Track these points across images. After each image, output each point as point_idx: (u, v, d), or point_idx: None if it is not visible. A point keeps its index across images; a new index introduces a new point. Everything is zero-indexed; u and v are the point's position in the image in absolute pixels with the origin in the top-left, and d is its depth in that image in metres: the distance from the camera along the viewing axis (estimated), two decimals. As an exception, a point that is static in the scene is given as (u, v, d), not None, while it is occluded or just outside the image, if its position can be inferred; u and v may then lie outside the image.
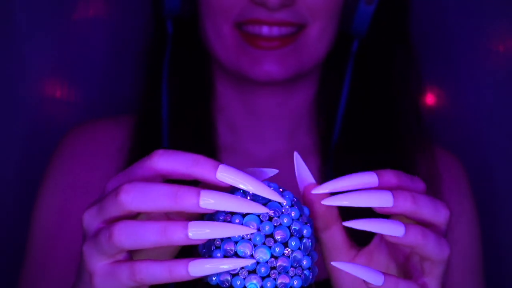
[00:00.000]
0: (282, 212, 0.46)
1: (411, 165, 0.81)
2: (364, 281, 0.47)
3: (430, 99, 1.03)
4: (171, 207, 0.44)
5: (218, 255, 0.46)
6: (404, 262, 0.52)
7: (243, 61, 0.77)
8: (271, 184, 0.48)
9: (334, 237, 0.51)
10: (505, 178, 1.01)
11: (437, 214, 0.49)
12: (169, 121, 0.81)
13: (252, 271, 0.46)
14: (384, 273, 0.47)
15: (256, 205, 0.45)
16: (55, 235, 0.82)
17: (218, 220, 0.46)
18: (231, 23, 0.77)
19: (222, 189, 0.45)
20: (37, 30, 0.99)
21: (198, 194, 0.44)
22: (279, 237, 0.46)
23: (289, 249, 0.46)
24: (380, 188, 0.48)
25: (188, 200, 0.44)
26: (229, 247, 0.46)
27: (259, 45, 0.76)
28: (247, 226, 0.45)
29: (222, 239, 0.46)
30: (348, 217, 0.48)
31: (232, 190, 0.47)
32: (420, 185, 0.50)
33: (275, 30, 0.76)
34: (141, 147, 0.81)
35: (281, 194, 0.47)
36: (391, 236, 0.47)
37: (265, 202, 0.46)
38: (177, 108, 0.82)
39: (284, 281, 0.46)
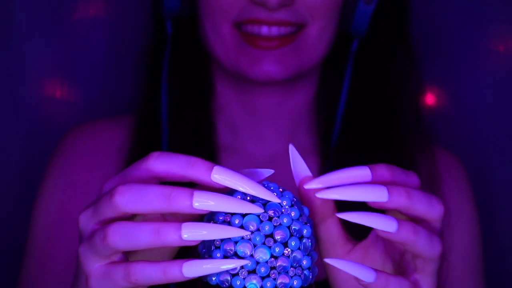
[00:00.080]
0: (282, 212, 0.46)
1: (411, 165, 0.81)
2: (355, 277, 0.47)
3: (430, 99, 1.03)
4: (165, 208, 0.45)
5: (218, 255, 0.46)
6: (399, 259, 0.52)
7: (242, 61, 0.77)
8: (271, 184, 0.48)
9: (330, 231, 0.51)
10: (505, 178, 1.02)
11: (431, 210, 0.49)
12: (168, 121, 0.81)
13: (252, 271, 0.46)
14: (375, 270, 0.47)
15: (250, 205, 0.45)
16: (55, 235, 0.82)
17: (218, 220, 0.46)
18: (230, 23, 0.77)
19: (221, 190, 0.46)
20: (37, 30, 0.99)
21: (191, 195, 0.44)
22: (279, 237, 0.46)
23: (289, 249, 0.46)
24: (374, 182, 0.48)
25: (181, 201, 0.44)
26: (229, 247, 0.46)
27: (258, 45, 0.76)
28: (247, 226, 0.46)
29: (222, 239, 0.46)
30: (344, 211, 0.48)
31: (231, 191, 0.47)
32: (415, 179, 0.50)
33: (275, 30, 0.76)
34: (141, 147, 0.81)
35: (281, 194, 0.47)
36: (383, 231, 0.47)
37: (264, 202, 0.46)
38: (177, 108, 0.82)
39: (284, 281, 0.46)
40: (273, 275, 0.46)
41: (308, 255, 0.47)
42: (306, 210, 0.48)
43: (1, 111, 0.98)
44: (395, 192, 0.47)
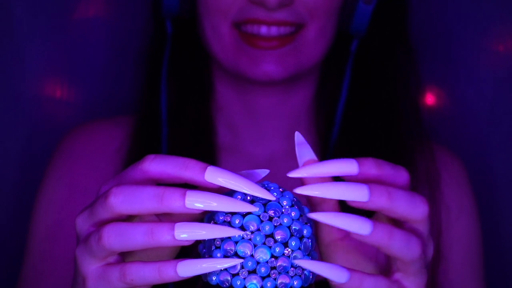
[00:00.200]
0: (282, 212, 0.46)
1: (410, 164, 0.81)
2: (327, 278, 0.46)
3: (430, 99, 1.03)
4: (158, 208, 0.45)
5: (218, 255, 0.46)
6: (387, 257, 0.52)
7: (241, 61, 0.77)
8: (271, 184, 0.48)
9: (330, 230, 0.51)
10: (505, 177, 1.01)
11: (413, 211, 0.47)
12: (168, 121, 0.81)
13: (252, 271, 0.46)
14: (349, 269, 0.46)
15: (244, 204, 0.45)
16: (55, 235, 0.82)
17: (218, 220, 0.46)
18: (229, 23, 0.77)
19: (219, 190, 0.46)
20: (37, 30, 0.99)
21: (184, 195, 0.44)
22: (279, 237, 0.46)
23: (289, 249, 0.46)
24: (359, 178, 0.47)
25: (174, 201, 0.44)
26: (229, 247, 0.46)
27: (257, 45, 0.76)
28: (247, 226, 0.46)
29: (222, 239, 0.46)
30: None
31: (232, 191, 0.47)
32: (403, 174, 0.49)
33: (274, 30, 0.76)
34: (140, 147, 0.82)
35: (281, 194, 0.47)
36: (355, 233, 0.46)
37: (265, 202, 0.46)
38: (176, 108, 0.82)
39: (284, 281, 0.46)
40: (274, 275, 0.46)
41: (308, 255, 0.47)
42: (306, 210, 0.48)
43: (1, 111, 0.98)
44: (376, 192, 0.46)
